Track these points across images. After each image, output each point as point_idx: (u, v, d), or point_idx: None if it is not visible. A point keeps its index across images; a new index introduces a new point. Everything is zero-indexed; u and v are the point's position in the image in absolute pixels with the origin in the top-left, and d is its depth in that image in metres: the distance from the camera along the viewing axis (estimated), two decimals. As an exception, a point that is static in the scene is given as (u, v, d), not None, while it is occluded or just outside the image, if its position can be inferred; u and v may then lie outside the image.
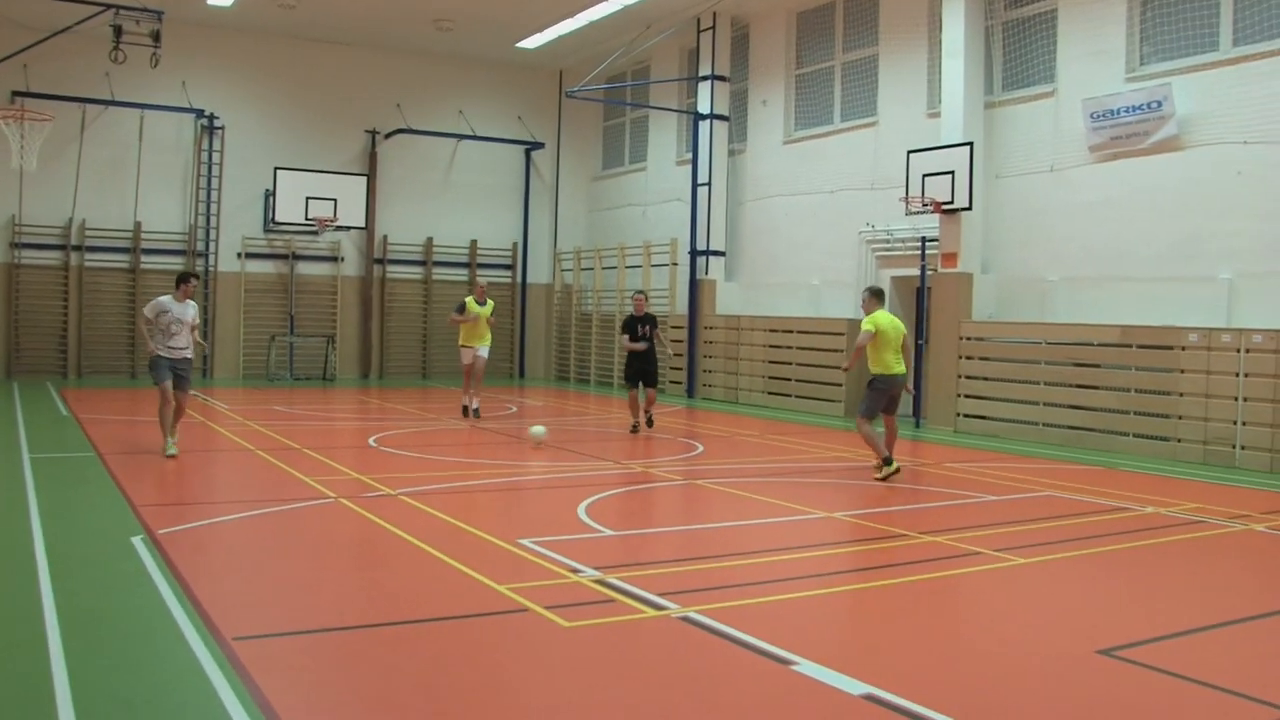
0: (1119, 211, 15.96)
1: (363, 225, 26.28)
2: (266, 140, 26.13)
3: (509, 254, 29.43)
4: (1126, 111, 15.81)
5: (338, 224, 25.27)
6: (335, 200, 25.09)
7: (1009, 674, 5.64)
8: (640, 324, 16.70)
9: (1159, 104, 15.39)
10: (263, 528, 8.96)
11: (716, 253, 23.83)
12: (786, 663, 5.52)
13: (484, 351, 18.08)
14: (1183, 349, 14.47)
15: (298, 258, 26.72)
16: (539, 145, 29.35)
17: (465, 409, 18.06)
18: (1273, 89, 14.30)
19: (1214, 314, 14.54)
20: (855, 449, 15.12)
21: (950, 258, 17.81)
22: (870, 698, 5.04)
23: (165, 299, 12.76)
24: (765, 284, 22.99)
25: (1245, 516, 10.36)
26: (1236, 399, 13.92)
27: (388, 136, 27.35)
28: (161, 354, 12.64)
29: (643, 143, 27.69)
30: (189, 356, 12.93)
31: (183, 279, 12.95)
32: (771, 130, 22.95)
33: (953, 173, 17.33)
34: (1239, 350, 13.88)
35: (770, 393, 21.76)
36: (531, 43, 26.43)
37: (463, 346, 18.17)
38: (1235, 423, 13.93)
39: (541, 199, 29.77)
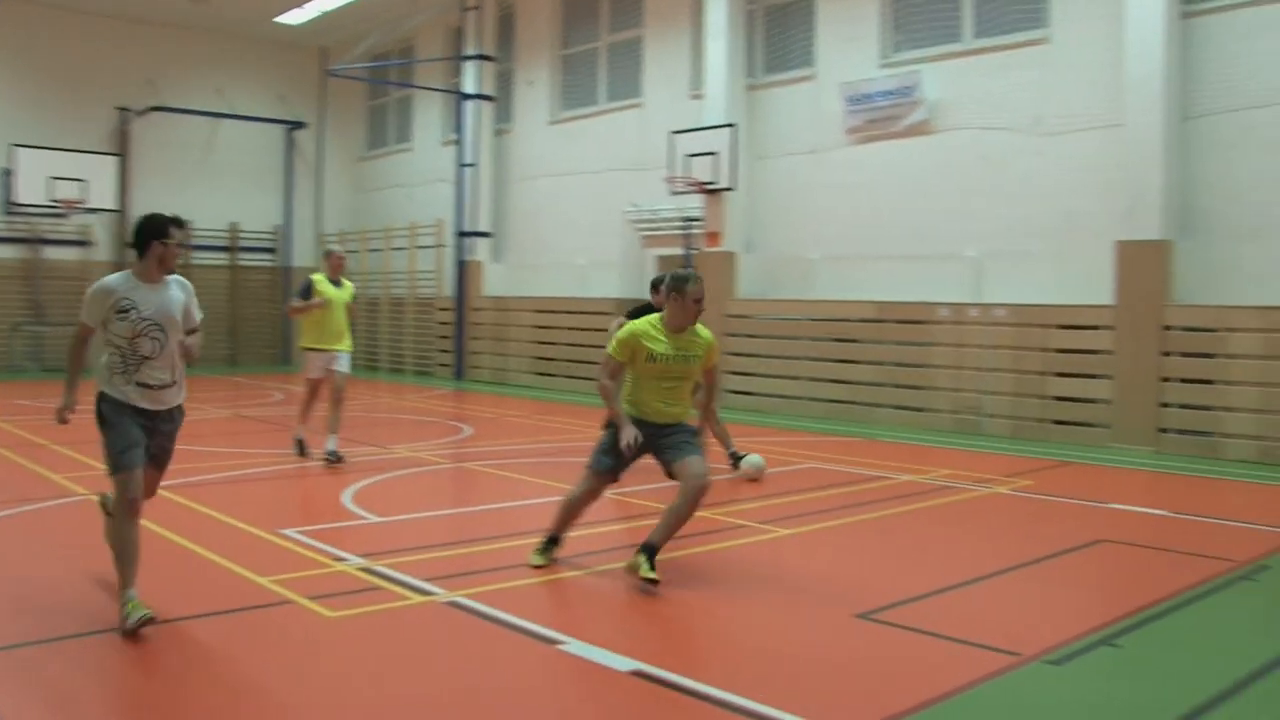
0: (875, 192, 16.60)
1: (115, 208, 24.84)
2: (3, 115, 24.35)
3: (271, 237, 28.45)
4: (880, 96, 16.46)
5: (87, 206, 23.83)
6: (84, 181, 23.65)
7: (773, 642, 5.76)
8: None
9: (910, 90, 16.08)
10: (2, 531, 8.35)
11: (483, 234, 23.65)
12: (554, 643, 5.51)
13: (344, 361, 11.82)
14: (934, 323, 15.20)
15: (43, 242, 24.97)
16: (301, 125, 28.47)
17: (300, 443, 11.79)
18: (1010, 80, 15.17)
19: (963, 290, 15.31)
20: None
21: (714, 237, 18.17)
22: (638, 674, 5.07)
23: (116, 279, 5.99)
24: (532, 265, 22.96)
25: (991, 480, 10.94)
26: (982, 370, 14.72)
27: (140, 114, 25.88)
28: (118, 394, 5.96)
29: (408, 123, 27.20)
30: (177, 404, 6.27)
31: (157, 232, 6.04)
32: (537, 111, 22.91)
33: (716, 153, 17.67)
34: (984, 324, 14.69)
35: (538, 374, 21.77)
36: (292, 18, 25.56)
37: (308, 350, 11.85)
38: (981, 392, 14.72)
39: (305, 180, 28.88)
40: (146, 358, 5.85)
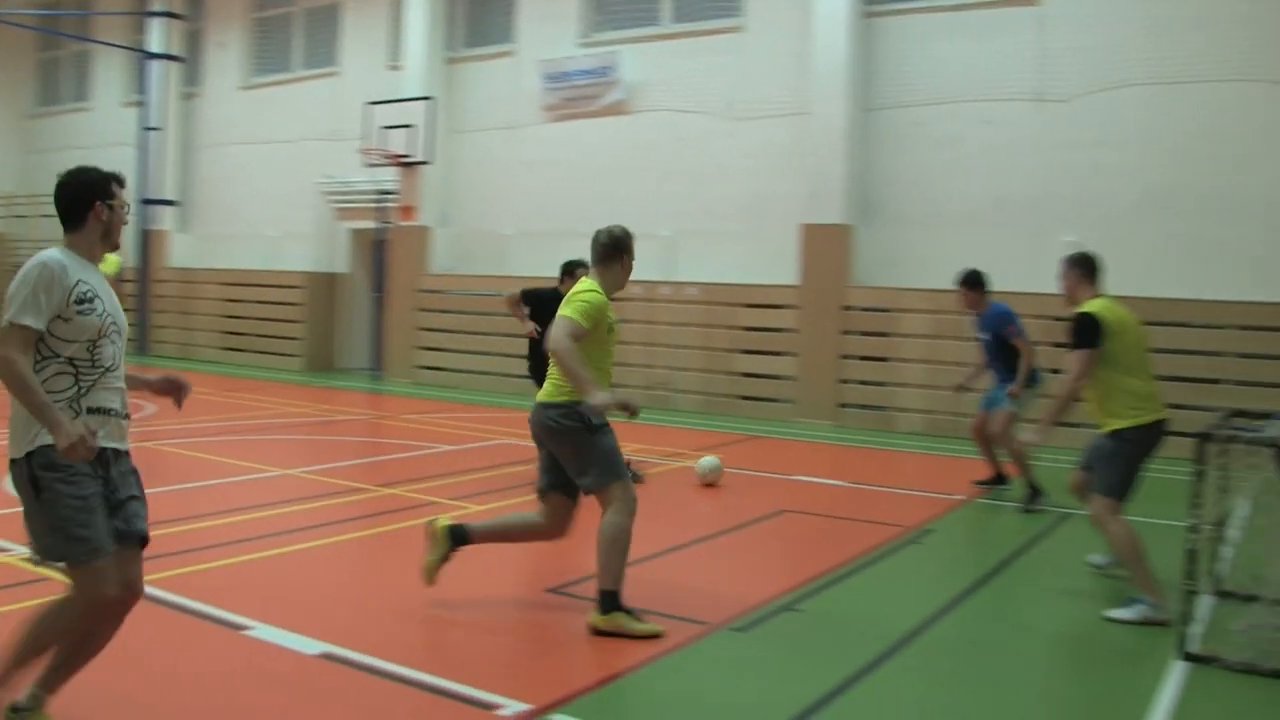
0: (572, 170, 16.64)
1: None
2: None
3: (-81, 197, 26.06)
4: (578, 75, 16.50)
5: None
6: None
7: (466, 618, 5.66)
8: None
9: (608, 70, 16.19)
10: None
11: (168, 202, 22.30)
12: (240, 628, 5.22)
13: None
14: (628, 300, 15.32)
15: None
16: (-44, 75, 26.17)
17: None
18: (704, 64, 15.54)
19: (656, 268, 15.51)
20: (314, 403, 14.77)
21: (409, 211, 17.79)
22: (328, 656, 4.89)
23: (61, 254, 4.09)
24: (221, 235, 21.86)
25: (681, 455, 11.09)
26: (673, 347, 14.98)
27: None
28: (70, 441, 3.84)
29: (86, 80, 25.29)
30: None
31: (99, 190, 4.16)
32: (229, 75, 21.80)
33: (413, 126, 17.30)
34: (676, 301, 14.95)
35: (226, 348, 20.78)
36: (-54, -45, 23.44)
37: None
38: (672, 369, 14.98)
39: (-36, 137, 26.57)
40: (108, 369, 4.03)
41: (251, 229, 21.05)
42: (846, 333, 13.87)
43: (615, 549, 5.43)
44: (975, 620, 5.93)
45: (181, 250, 22.24)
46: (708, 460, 9.62)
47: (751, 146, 15.10)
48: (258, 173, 21.04)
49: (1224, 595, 6.17)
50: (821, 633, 5.53)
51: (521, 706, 4.36)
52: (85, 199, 4.11)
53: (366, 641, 5.06)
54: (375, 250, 18.78)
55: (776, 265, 14.55)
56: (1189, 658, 5.19)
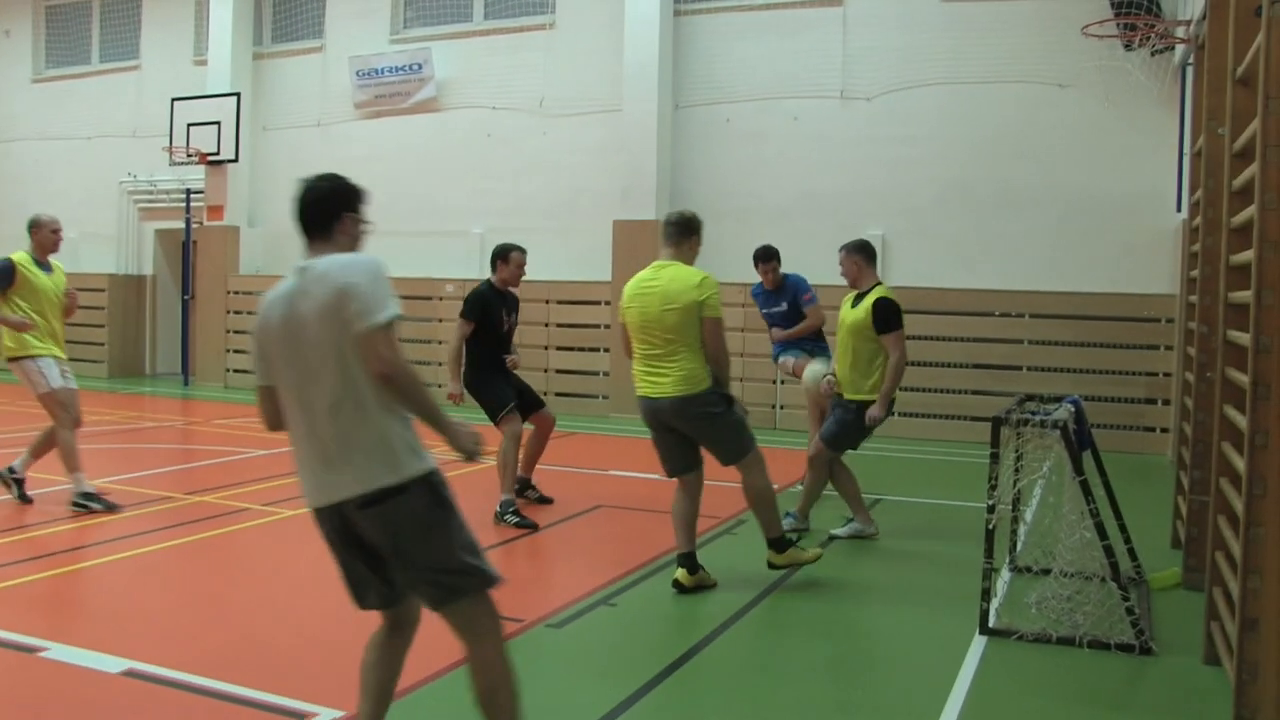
0: (384, 167, 16.34)
1: None
2: None
3: None
4: (390, 71, 16.28)
5: None
6: None
7: (276, 625, 5.56)
8: None
9: (420, 66, 16.01)
10: None
11: (-46, 201, 21.25)
12: (34, 650, 4.98)
13: (68, 373, 8.34)
14: (440, 299, 15.22)
15: None
16: None
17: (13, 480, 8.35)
18: (515, 60, 15.52)
19: (469, 266, 15.41)
20: (120, 410, 14.24)
21: (216, 210, 17.30)
22: (131, 673, 4.73)
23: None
24: (11, 237, 20.74)
25: (494, 452, 10.99)
26: (489, 346, 14.89)
27: None
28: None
29: None
30: None
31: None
32: (18, 66, 20.75)
33: (219, 123, 16.84)
34: (490, 300, 14.86)
35: (19, 357, 19.81)
36: None
37: (31, 357, 8.06)
38: (488, 368, 14.89)
39: None
40: None
41: (49, 229, 20.11)
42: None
43: (766, 503, 6.17)
44: (786, 606, 6.04)
45: (-28, 252, 21.12)
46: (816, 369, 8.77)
47: (563, 143, 15.14)
48: (54, 171, 20.08)
49: (1020, 571, 6.46)
50: (636, 626, 5.62)
51: (336, 713, 4.30)
52: (337, 209, 3.73)
53: (174, 656, 4.91)
54: (183, 251, 18.18)
55: (590, 262, 14.62)
56: (987, 632, 5.44)
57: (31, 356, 7.99)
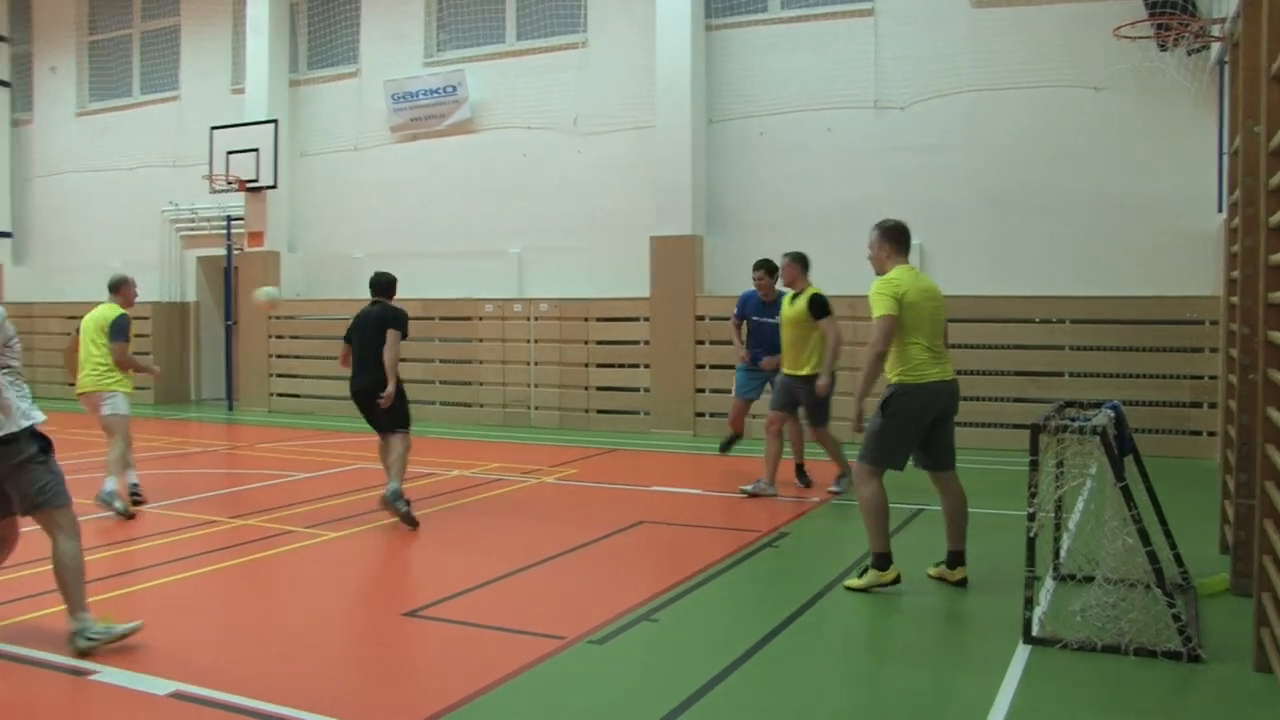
0: (420, 190, 16.53)
1: None
2: None
3: None
4: (424, 94, 16.40)
5: None
6: None
7: (322, 647, 5.58)
8: None
9: (454, 89, 16.12)
10: None
11: (2, 234, 21.58)
12: (85, 674, 5.04)
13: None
14: (480, 319, 15.30)
15: None
16: None
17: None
18: (548, 80, 15.58)
19: (507, 286, 15.49)
20: (166, 436, 14.40)
21: (256, 236, 17.47)
22: (179, 695, 4.76)
23: None
24: (61, 268, 21.18)
25: (537, 471, 11.08)
26: (529, 363, 14.94)
27: None
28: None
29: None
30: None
31: None
32: (63, 101, 21.13)
33: (258, 150, 17.02)
34: (529, 318, 14.93)
35: (71, 384, 20.06)
36: None
37: (120, 393, 9.34)
38: (529, 385, 14.95)
39: None
40: None
41: (94, 260, 20.36)
42: (700, 342, 13.99)
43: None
44: (827, 621, 6.01)
45: (18, 284, 21.45)
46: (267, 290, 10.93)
47: (598, 161, 15.18)
48: (98, 202, 20.42)
49: (1064, 579, 6.37)
50: (678, 642, 5.58)
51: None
52: None
53: (221, 678, 4.95)
54: (225, 278, 18.39)
55: (627, 278, 14.64)
56: (1032, 641, 5.39)
57: (126, 392, 9.39)
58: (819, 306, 9.24)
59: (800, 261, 9.51)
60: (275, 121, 17.09)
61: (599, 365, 14.70)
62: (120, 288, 9.79)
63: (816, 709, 4.66)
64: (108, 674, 5.03)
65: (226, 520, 8.75)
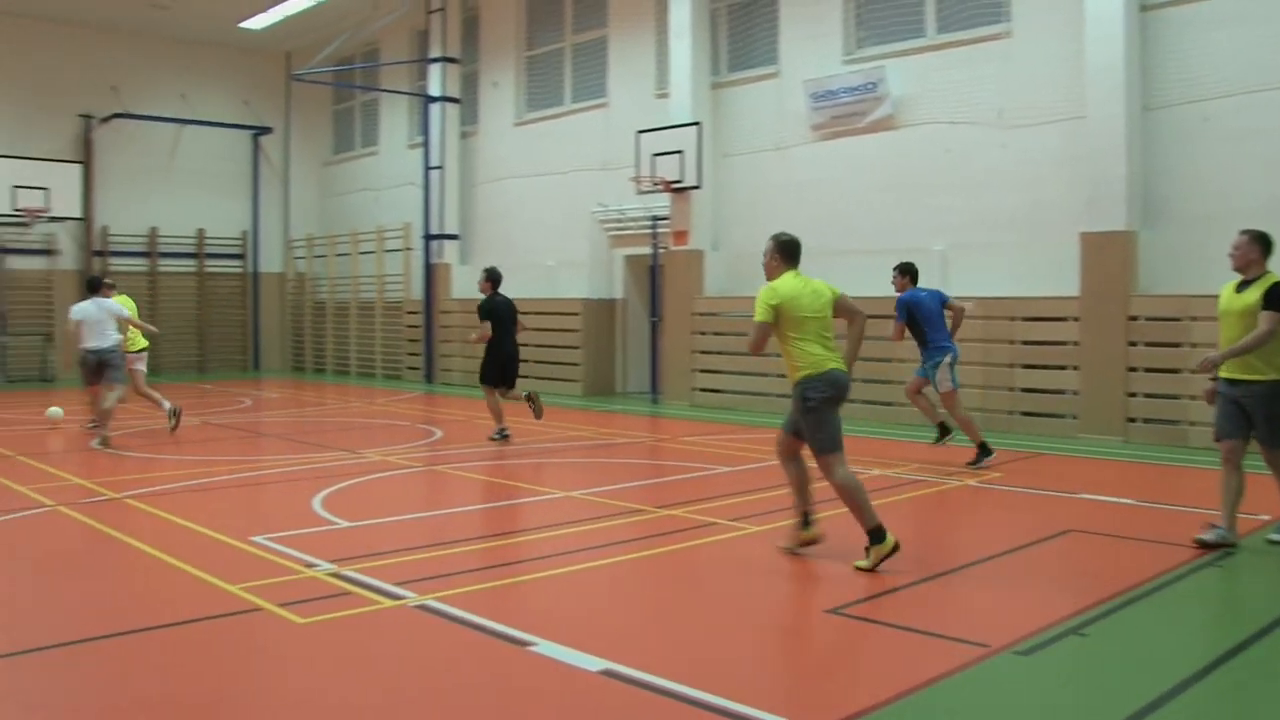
0: (839, 188, 16.63)
1: (79, 216, 24.60)
2: (-37, 124, 24.09)
3: (238, 243, 28.28)
4: (844, 92, 16.48)
5: (50, 215, 23.53)
6: (46, 189, 23.37)
7: (743, 638, 5.75)
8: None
9: (874, 85, 16.10)
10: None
11: (450, 236, 23.58)
12: (524, 644, 5.44)
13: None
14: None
15: (6, 251, 24.70)
16: (267, 130, 28.31)
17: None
18: (972, 73, 15.23)
19: (929, 283, 15.26)
20: (592, 426, 15.28)
21: (681, 235, 18.16)
22: (608, 673, 5.02)
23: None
24: (501, 266, 22.78)
25: (960, 474, 10.96)
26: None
27: (104, 121, 25.68)
28: None
29: (374, 126, 27.09)
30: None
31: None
32: (503, 112, 22.85)
33: (682, 152, 17.67)
34: (950, 317, 14.67)
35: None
36: (256, 23, 25.39)
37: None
38: (949, 386, 14.73)
39: (271, 185, 28.75)
40: None
41: (529, 259, 21.90)
42: (1133, 344, 13.32)
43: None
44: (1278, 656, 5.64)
45: (463, 282, 23.36)
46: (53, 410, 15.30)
47: (1024, 154, 14.72)
48: (533, 204, 21.93)
49: None
50: (1109, 660, 5.37)
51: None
52: None
53: (647, 660, 5.20)
54: (650, 276, 19.26)
55: (1055, 276, 14.13)
56: None
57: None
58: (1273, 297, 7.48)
59: (1262, 242, 7.78)
60: (698, 124, 17.68)
61: (1024, 366, 14.29)
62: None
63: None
64: (544, 646, 5.38)
65: (652, 509, 9.18)
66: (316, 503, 9.41)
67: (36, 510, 9.15)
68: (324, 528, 8.53)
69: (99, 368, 13.44)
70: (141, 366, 15.12)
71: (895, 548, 6.91)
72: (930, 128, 15.64)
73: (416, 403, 19.64)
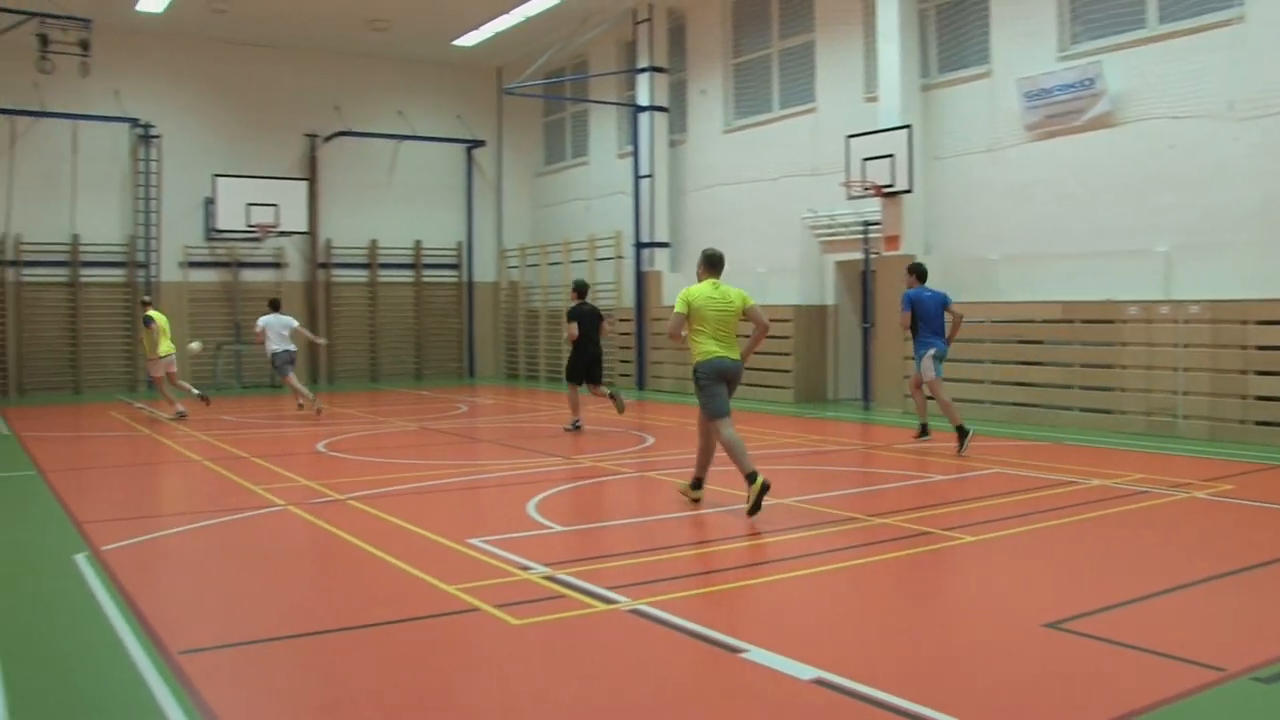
0: (1056, 189, 16.12)
1: (305, 230, 25.98)
2: (204, 147, 25.72)
3: (454, 253, 29.31)
4: (1060, 90, 15.96)
5: (280, 230, 24.91)
6: (276, 205, 24.70)
7: (957, 652, 5.68)
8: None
9: (1091, 82, 15.54)
10: (209, 539, 8.78)
11: (661, 244, 23.84)
12: (736, 651, 5.49)
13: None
14: (1123, 322, 14.66)
15: (241, 265, 26.45)
16: (480, 143, 29.24)
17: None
18: (1197, 64, 14.50)
19: (1152, 287, 14.71)
20: (804, 434, 15.23)
21: (893, 240, 17.92)
22: (820, 681, 5.02)
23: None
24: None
25: (1187, 485, 10.49)
26: (1176, 370, 14.11)
27: (327, 139, 27.13)
28: None
29: (584, 137, 27.64)
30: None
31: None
32: (711, 120, 22.97)
33: (892, 156, 17.44)
34: (1177, 321, 14.08)
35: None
36: (468, 40, 26.31)
37: None
38: (1176, 393, 14.12)
39: (485, 197, 29.68)
40: None
41: (739, 266, 21.78)
42: (1380, 348, 12.51)
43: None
44: None
45: (674, 289, 23.49)
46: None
47: (1258, 148, 13.90)
48: (743, 211, 21.97)
49: None
50: None
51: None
52: None
53: (861, 670, 5.19)
54: (862, 281, 19.06)
55: (1292, 277, 13.36)
56: None
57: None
58: None
59: None
60: (909, 127, 17.42)
61: (1258, 373, 13.53)
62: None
63: None
64: (755, 653, 5.41)
65: (865, 517, 9.12)
66: (531, 507, 9.73)
67: (270, 509, 9.81)
68: (538, 531, 8.82)
69: (280, 363, 18.67)
70: (173, 369, 18.55)
71: (765, 486, 8.70)
72: (1151, 123, 14.98)
73: (628, 409, 19.90)
